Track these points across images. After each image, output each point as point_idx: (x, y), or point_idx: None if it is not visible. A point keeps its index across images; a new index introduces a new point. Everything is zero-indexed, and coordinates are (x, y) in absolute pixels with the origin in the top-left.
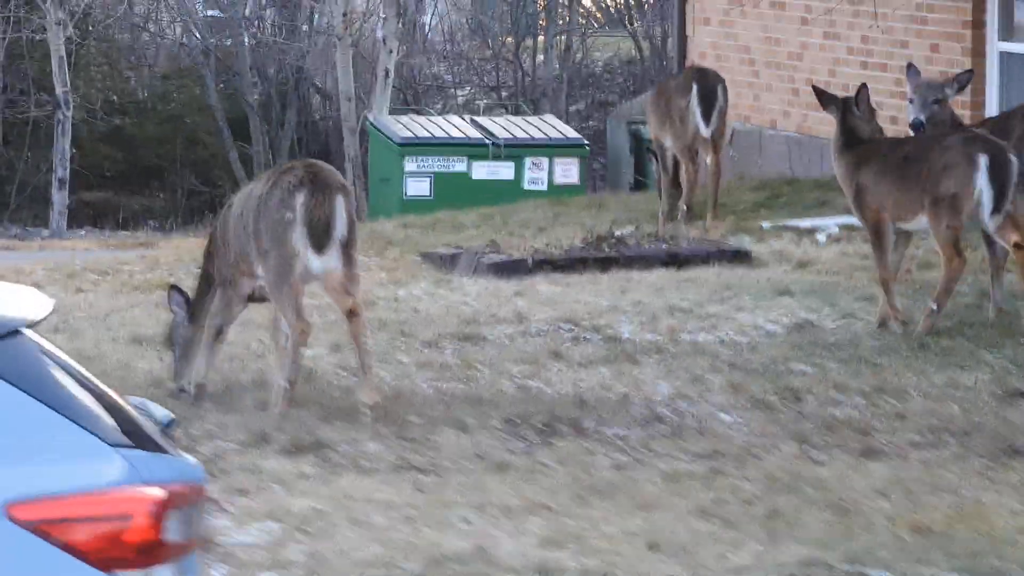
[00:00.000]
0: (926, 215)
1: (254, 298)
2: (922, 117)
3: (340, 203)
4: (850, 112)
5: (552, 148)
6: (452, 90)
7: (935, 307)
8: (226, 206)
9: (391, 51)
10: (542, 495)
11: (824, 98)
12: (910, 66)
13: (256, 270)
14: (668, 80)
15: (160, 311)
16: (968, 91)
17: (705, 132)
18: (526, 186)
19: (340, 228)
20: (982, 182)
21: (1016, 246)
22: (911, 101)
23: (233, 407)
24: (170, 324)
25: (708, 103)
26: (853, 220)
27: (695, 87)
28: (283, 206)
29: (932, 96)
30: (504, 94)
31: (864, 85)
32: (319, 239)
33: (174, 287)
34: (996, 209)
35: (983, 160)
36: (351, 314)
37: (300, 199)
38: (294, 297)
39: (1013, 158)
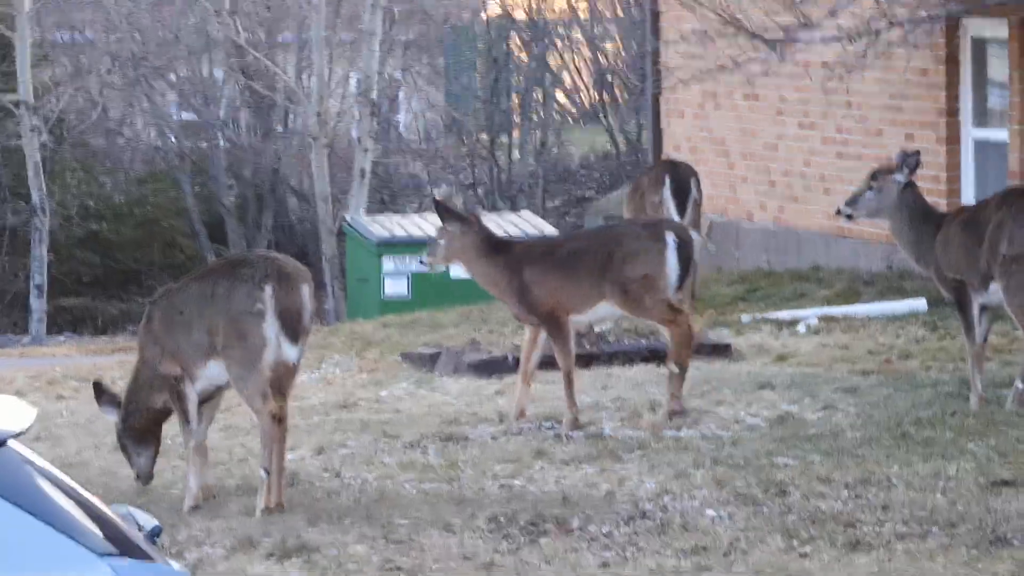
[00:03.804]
0: (610, 303)
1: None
2: (841, 207)
3: (306, 293)
4: (481, 222)
5: None
6: (428, 188)
7: (676, 369)
8: (151, 306)
9: (366, 150)
10: None
11: (447, 214)
12: (907, 154)
13: (194, 369)
14: (643, 174)
15: None
16: (943, 179)
17: None
18: None
19: (306, 318)
20: (672, 260)
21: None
22: None
23: (219, 512)
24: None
25: (681, 196)
26: (832, 311)
27: (667, 180)
28: (251, 298)
29: (868, 185)
30: (480, 191)
31: None
32: (293, 329)
33: (99, 385)
34: (680, 286)
35: (671, 239)
36: (278, 420)
37: (269, 291)
38: (262, 384)
39: (696, 236)
